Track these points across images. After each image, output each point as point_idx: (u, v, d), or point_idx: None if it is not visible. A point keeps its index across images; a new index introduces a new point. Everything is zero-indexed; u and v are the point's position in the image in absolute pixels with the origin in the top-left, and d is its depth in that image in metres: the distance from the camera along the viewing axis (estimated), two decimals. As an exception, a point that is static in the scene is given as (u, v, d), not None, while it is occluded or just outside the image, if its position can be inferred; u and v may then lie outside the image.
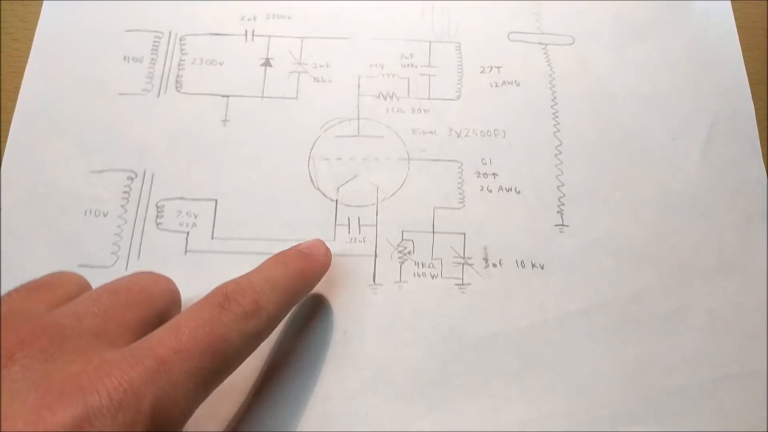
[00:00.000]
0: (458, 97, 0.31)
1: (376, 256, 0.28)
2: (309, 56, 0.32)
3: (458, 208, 0.29)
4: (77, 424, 0.14)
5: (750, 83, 0.32)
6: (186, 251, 0.28)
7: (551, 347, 0.27)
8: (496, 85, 0.32)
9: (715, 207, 0.30)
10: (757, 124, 0.31)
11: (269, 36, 0.32)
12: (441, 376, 0.27)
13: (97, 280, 0.27)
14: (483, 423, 0.26)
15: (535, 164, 0.30)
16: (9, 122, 0.29)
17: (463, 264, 0.28)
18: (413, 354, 0.27)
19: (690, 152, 0.31)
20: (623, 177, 0.30)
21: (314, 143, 0.30)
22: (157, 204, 0.29)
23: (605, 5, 0.33)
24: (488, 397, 0.27)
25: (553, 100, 0.31)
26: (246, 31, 0.32)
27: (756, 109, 0.31)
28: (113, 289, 0.20)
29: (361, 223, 0.29)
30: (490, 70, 0.32)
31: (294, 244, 0.26)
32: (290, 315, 0.26)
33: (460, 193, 0.30)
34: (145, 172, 0.29)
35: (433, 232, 0.29)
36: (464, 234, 0.29)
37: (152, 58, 0.31)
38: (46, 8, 0.32)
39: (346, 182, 0.30)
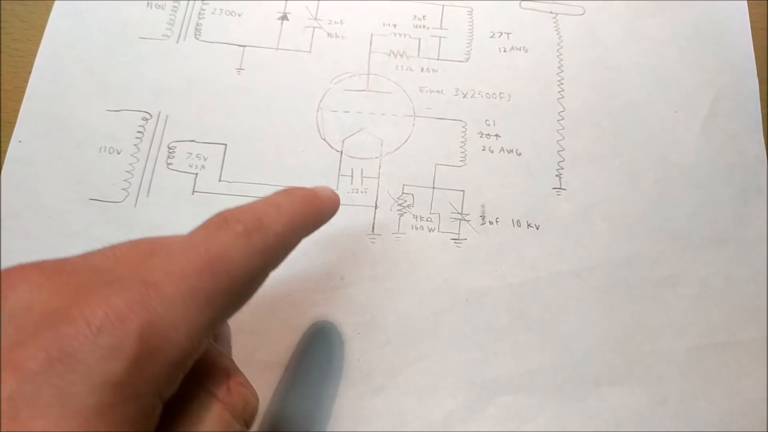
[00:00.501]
0: (467, 60, 0.32)
1: (376, 207, 0.29)
2: (325, 13, 0.33)
3: (459, 166, 0.30)
4: (49, 355, 0.13)
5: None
6: (194, 191, 0.29)
7: (541, 305, 0.28)
8: (505, 50, 0.32)
9: (711, 180, 0.30)
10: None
11: (288, -8, 0.33)
12: (432, 326, 0.27)
13: (106, 214, 0.29)
14: (471, 374, 0.27)
15: (537, 128, 0.31)
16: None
17: (460, 220, 0.29)
18: (406, 303, 0.28)
19: (691, 125, 0.31)
20: (623, 145, 0.30)
21: (324, 95, 0.31)
22: (169, 145, 0.30)
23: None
24: (477, 349, 0.27)
25: (559, 67, 0.32)
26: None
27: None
28: (137, 241, 0.19)
29: (363, 175, 0.30)
30: (500, 36, 0.33)
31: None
32: (290, 260, 0.27)
33: (462, 152, 0.30)
34: (159, 113, 0.30)
35: (433, 187, 0.30)
36: (463, 191, 0.30)
37: (174, 6, 0.32)
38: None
39: (352, 135, 0.30)
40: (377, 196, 0.29)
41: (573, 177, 0.30)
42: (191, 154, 0.30)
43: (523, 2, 0.33)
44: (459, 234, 0.29)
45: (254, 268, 0.17)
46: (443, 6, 0.33)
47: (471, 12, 0.33)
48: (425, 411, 0.26)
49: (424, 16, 0.33)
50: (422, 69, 0.32)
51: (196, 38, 0.32)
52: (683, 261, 0.29)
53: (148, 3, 0.32)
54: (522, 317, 0.28)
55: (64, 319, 0.14)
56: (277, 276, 0.19)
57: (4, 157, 0.29)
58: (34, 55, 0.31)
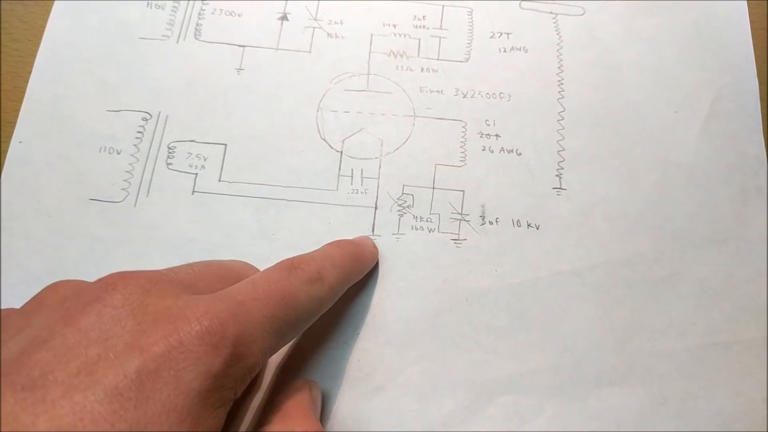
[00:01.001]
0: (467, 60, 0.32)
1: (376, 207, 0.29)
2: (324, 13, 0.33)
3: (459, 167, 0.30)
4: (168, 343, 0.16)
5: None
6: (193, 191, 0.29)
7: (541, 305, 0.28)
8: (505, 51, 0.32)
9: (711, 180, 0.30)
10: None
11: (288, -8, 0.33)
12: (432, 326, 0.27)
13: (106, 214, 0.29)
14: (471, 374, 0.27)
15: (537, 128, 0.31)
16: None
17: (460, 220, 0.29)
18: (406, 303, 0.28)
19: (691, 125, 0.31)
20: (623, 145, 0.30)
21: (324, 95, 0.31)
22: (168, 145, 0.30)
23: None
24: (477, 349, 0.27)
25: (559, 67, 0.32)
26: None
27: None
28: (209, 263, 0.22)
29: (363, 175, 0.30)
30: (500, 36, 0.33)
31: (298, 191, 0.29)
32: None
33: (462, 152, 0.30)
34: (159, 113, 0.30)
35: (433, 188, 0.30)
36: (463, 191, 0.30)
37: (174, 6, 0.32)
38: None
39: (352, 135, 0.30)
40: (377, 197, 0.29)
41: (573, 177, 0.30)
42: (191, 154, 0.30)
43: (523, 2, 0.33)
44: (459, 234, 0.29)
45: (312, 309, 0.22)
46: (443, 6, 0.33)
47: (471, 12, 0.33)
48: (425, 411, 0.26)
49: (424, 17, 0.33)
50: (422, 69, 0.32)
51: (196, 38, 0.32)
52: (683, 261, 0.29)
53: (148, 3, 0.32)
54: (522, 317, 0.28)
55: (180, 317, 0.17)
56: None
57: (4, 157, 0.29)
58: (34, 55, 0.31)
